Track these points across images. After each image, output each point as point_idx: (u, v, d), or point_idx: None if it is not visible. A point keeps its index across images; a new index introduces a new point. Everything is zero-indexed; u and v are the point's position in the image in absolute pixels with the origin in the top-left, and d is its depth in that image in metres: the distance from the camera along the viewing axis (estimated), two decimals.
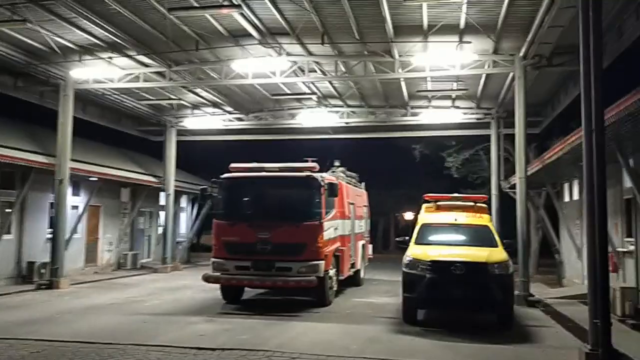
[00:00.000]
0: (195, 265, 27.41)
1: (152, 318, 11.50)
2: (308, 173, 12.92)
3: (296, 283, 12.23)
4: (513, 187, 21.63)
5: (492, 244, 11.93)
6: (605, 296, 7.71)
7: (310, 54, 15.73)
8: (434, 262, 10.68)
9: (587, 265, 8.12)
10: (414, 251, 11.40)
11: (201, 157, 31.64)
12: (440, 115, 21.45)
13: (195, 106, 22.67)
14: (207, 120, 23.62)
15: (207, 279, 12.79)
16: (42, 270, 18.08)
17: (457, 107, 21.04)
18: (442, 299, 10.58)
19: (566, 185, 19.99)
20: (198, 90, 20.30)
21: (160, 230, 27.73)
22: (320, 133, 24.61)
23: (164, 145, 24.30)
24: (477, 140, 25.73)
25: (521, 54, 14.70)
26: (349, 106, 22.13)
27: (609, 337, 7.61)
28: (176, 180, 25.30)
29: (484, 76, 17.29)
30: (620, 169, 14.53)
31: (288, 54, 15.63)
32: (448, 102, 21.06)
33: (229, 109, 22.73)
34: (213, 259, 12.91)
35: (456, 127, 22.90)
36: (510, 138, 22.67)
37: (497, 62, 15.36)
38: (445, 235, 12.36)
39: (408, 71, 15.83)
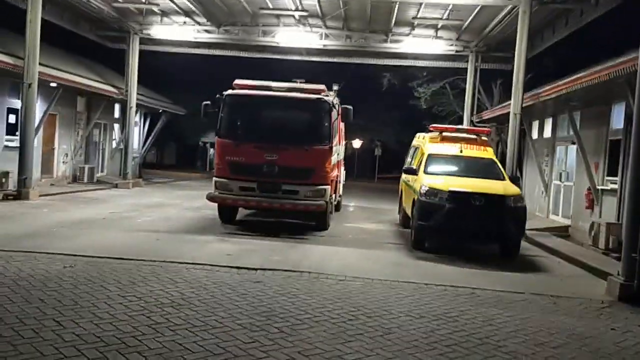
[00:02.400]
0: (150, 182, 26.61)
1: (160, 235, 11.05)
2: (319, 95, 12.49)
3: (305, 207, 12.09)
4: (483, 122, 22.17)
5: (500, 177, 12.25)
6: None
7: None
8: (453, 192, 10.81)
9: (627, 203, 8.45)
10: (429, 181, 11.46)
11: (159, 70, 29.98)
12: (421, 45, 21.25)
13: (165, 13, 21.15)
14: (174, 30, 22.21)
15: (212, 198, 12.35)
16: (3, 180, 16.94)
17: (440, 38, 20.87)
18: (460, 228, 10.81)
19: (536, 123, 20.64)
20: None
21: (114, 144, 26.52)
22: (293, 54, 23.83)
23: (127, 54, 22.79)
24: (445, 74, 25.85)
25: None
26: (327, 27, 21.44)
27: None
28: (138, 94, 23.95)
29: (479, 7, 17.10)
30: (608, 112, 15.12)
31: None
32: (430, 32, 20.83)
33: (200, 19, 21.40)
34: (216, 179, 12.42)
35: (432, 58, 22.83)
36: (482, 74, 23.00)
37: None
38: (454, 166, 12.49)
39: None
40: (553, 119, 18.93)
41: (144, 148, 29.61)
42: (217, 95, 12.57)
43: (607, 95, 14.13)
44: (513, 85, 15.43)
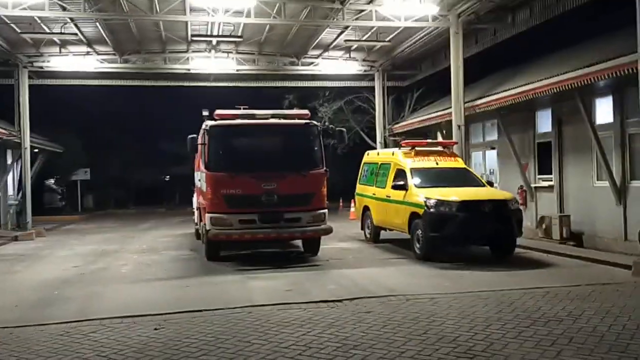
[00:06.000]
0: (49, 230, 23.74)
1: (182, 282, 10.10)
2: (308, 120, 12.45)
3: (314, 232, 12.00)
4: (394, 135, 23.42)
5: (480, 184, 13.17)
6: None
7: None
8: (464, 202, 11.45)
9: None
10: (431, 193, 11.95)
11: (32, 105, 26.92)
12: (332, 66, 21.88)
13: (64, 43, 19.26)
14: (71, 61, 20.33)
15: (216, 235, 11.58)
16: None
17: (352, 59, 21.66)
18: (472, 235, 11.49)
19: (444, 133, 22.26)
20: (82, 24, 17.30)
21: None
22: (201, 80, 23.07)
23: (17, 89, 20.29)
24: (344, 92, 26.78)
25: (458, 11, 15.90)
26: (238, 52, 21.19)
27: None
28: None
29: (400, 29, 18.05)
30: (534, 117, 16.96)
31: None
32: (341, 53, 21.50)
33: (102, 48, 19.88)
34: (211, 214, 11.66)
35: (339, 78, 23.57)
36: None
37: (435, 16, 16.34)
38: (437, 177, 13.05)
39: (357, 19, 15.94)
40: (466, 128, 20.58)
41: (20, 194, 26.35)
42: (205, 127, 11.88)
43: (534, 103, 15.83)
44: (453, 99, 16.59)
